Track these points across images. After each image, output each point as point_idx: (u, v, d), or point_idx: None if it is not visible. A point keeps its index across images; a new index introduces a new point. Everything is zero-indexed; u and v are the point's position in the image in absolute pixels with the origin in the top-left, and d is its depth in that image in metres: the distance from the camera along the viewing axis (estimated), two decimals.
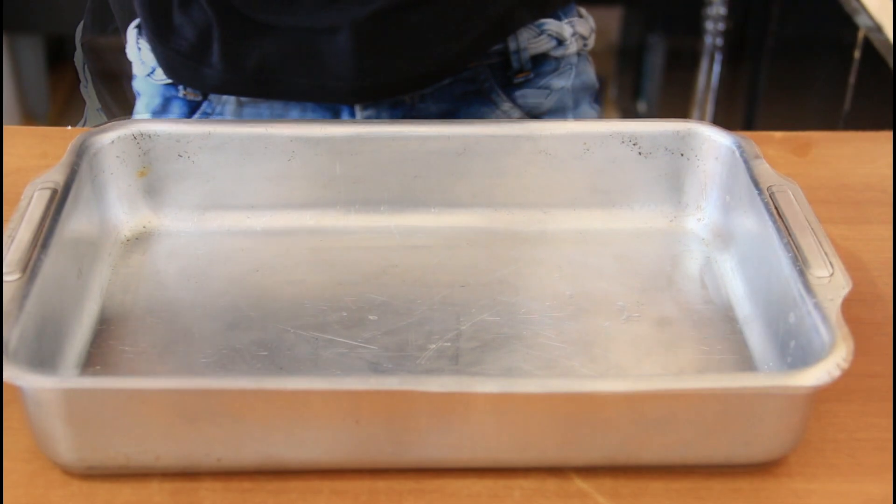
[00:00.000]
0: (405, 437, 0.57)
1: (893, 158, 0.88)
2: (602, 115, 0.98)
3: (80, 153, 0.73)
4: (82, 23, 1.04)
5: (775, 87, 2.01)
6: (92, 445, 0.57)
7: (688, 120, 0.78)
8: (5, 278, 0.61)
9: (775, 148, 0.89)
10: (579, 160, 0.78)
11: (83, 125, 1.07)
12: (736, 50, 2.18)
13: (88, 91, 1.07)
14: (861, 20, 1.58)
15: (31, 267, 0.62)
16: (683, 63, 2.35)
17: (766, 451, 0.59)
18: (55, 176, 0.70)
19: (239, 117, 0.89)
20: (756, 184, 0.71)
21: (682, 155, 0.78)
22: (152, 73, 0.90)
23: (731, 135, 0.76)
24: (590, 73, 0.96)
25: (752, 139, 0.76)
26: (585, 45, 0.94)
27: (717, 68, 2.23)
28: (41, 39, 2.54)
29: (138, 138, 0.76)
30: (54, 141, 0.88)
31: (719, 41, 2.20)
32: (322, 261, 0.75)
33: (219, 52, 0.84)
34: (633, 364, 0.67)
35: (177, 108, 0.91)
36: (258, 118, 0.89)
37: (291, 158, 0.77)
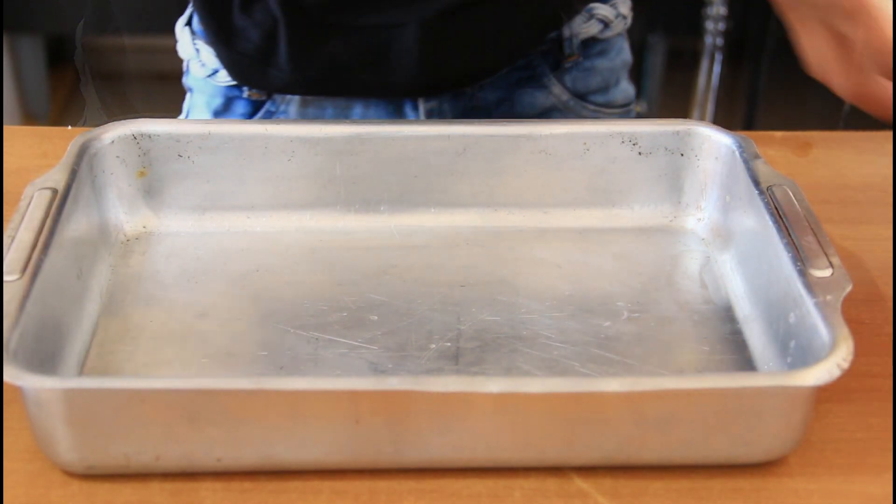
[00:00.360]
0: (405, 437, 0.57)
1: (893, 158, 0.88)
2: (634, 90, 1.00)
3: (80, 153, 0.73)
4: (82, 22, 1.04)
5: (775, 87, 2.01)
6: (92, 445, 0.57)
7: (687, 120, 0.78)
8: (5, 279, 0.61)
9: (775, 148, 0.89)
10: (579, 160, 0.78)
11: (83, 125, 1.07)
12: (736, 50, 2.18)
13: (88, 90, 1.07)
14: None
15: (31, 267, 0.62)
16: (683, 63, 2.35)
17: (766, 450, 0.59)
18: (55, 176, 0.70)
19: (303, 116, 0.90)
20: (756, 183, 0.71)
21: (681, 155, 0.78)
22: (213, 74, 0.91)
23: (730, 134, 0.76)
24: (627, 50, 0.98)
25: (751, 139, 0.76)
26: (626, 24, 0.96)
27: (717, 68, 2.23)
28: (41, 39, 2.54)
29: (138, 138, 0.76)
30: (54, 141, 0.88)
31: (719, 41, 2.20)
32: (322, 261, 0.75)
33: (286, 53, 0.85)
34: (633, 363, 0.67)
35: (240, 107, 0.92)
36: (321, 117, 0.90)
37: (291, 159, 0.77)
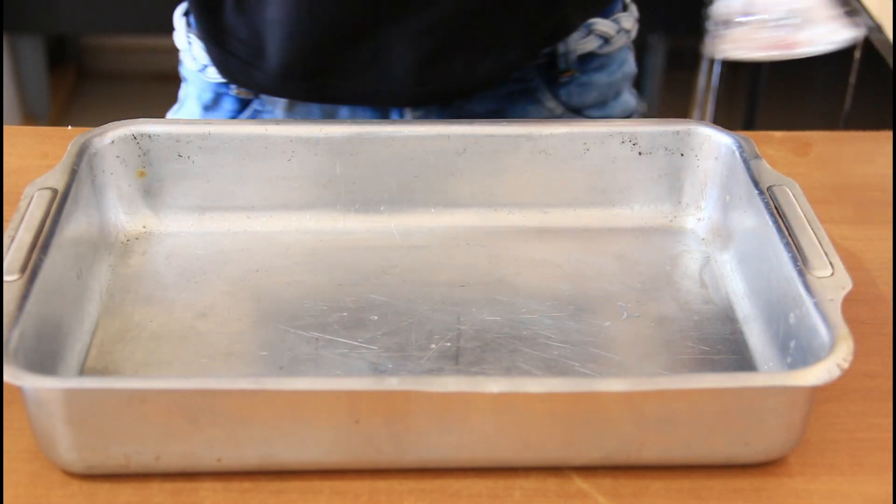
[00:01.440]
0: (405, 437, 0.57)
1: (893, 158, 0.88)
2: (640, 100, 0.99)
3: (80, 153, 0.73)
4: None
5: (775, 87, 2.01)
6: (92, 445, 0.57)
7: (687, 120, 0.78)
8: (5, 279, 0.61)
9: (776, 148, 0.89)
10: (579, 160, 0.78)
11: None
12: None
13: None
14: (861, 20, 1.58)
15: (31, 268, 0.62)
16: (684, 63, 2.35)
17: (766, 450, 0.59)
18: (55, 177, 0.70)
19: (290, 116, 0.90)
20: (756, 183, 0.71)
21: (681, 155, 0.78)
22: (204, 69, 0.91)
23: (730, 134, 0.76)
24: (630, 62, 0.97)
25: (751, 139, 0.76)
26: (630, 37, 0.94)
27: (717, 68, 2.23)
28: (41, 39, 2.54)
29: (138, 138, 0.76)
30: (54, 141, 0.88)
31: None
32: (322, 261, 0.75)
33: (275, 57, 0.85)
34: (633, 363, 0.67)
35: (228, 104, 0.92)
36: (309, 117, 0.89)
37: (291, 159, 0.77)
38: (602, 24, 0.90)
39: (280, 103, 0.89)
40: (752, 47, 0.76)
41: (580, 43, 0.89)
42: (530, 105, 0.90)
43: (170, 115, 0.97)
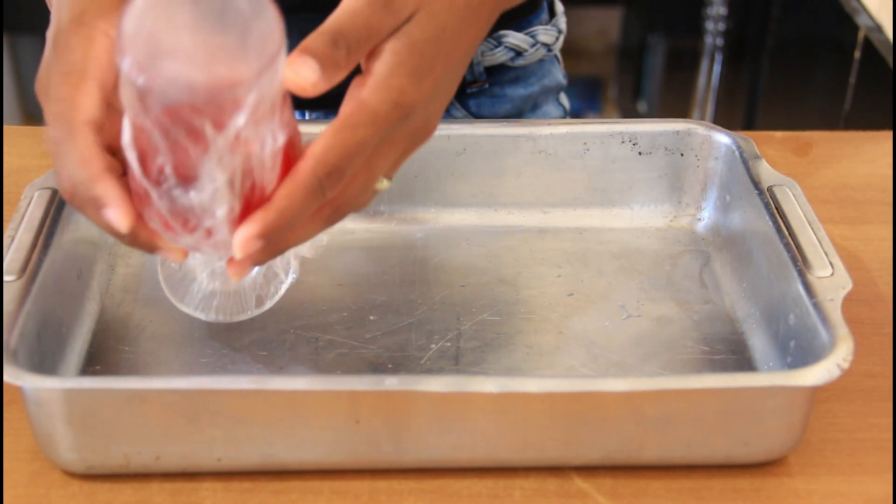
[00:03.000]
0: (405, 437, 0.57)
1: (893, 158, 0.88)
2: (567, 112, 0.98)
3: None
4: None
5: (775, 87, 2.01)
6: (92, 446, 0.57)
7: (687, 119, 0.78)
8: (5, 279, 0.61)
9: (776, 148, 0.89)
10: (579, 160, 0.78)
11: None
12: (736, 50, 2.18)
13: None
14: (861, 20, 1.58)
15: (31, 267, 0.62)
16: (684, 63, 2.35)
17: (766, 450, 0.59)
18: (55, 177, 0.70)
19: None
20: (756, 183, 0.71)
21: (681, 154, 0.78)
22: None
23: (730, 134, 0.76)
24: (554, 75, 0.93)
25: (751, 139, 0.76)
26: (550, 51, 0.91)
27: (717, 68, 2.23)
28: (41, 39, 2.54)
29: None
30: None
31: (719, 41, 2.20)
32: (321, 261, 0.75)
33: None
34: (633, 363, 0.67)
35: None
36: None
37: None
38: (514, 37, 0.87)
39: None
40: None
41: (488, 55, 0.86)
42: None
43: None
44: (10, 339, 0.57)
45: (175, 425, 0.56)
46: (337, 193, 0.55)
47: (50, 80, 0.57)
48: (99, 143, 0.55)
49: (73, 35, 0.57)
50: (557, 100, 0.95)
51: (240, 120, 0.51)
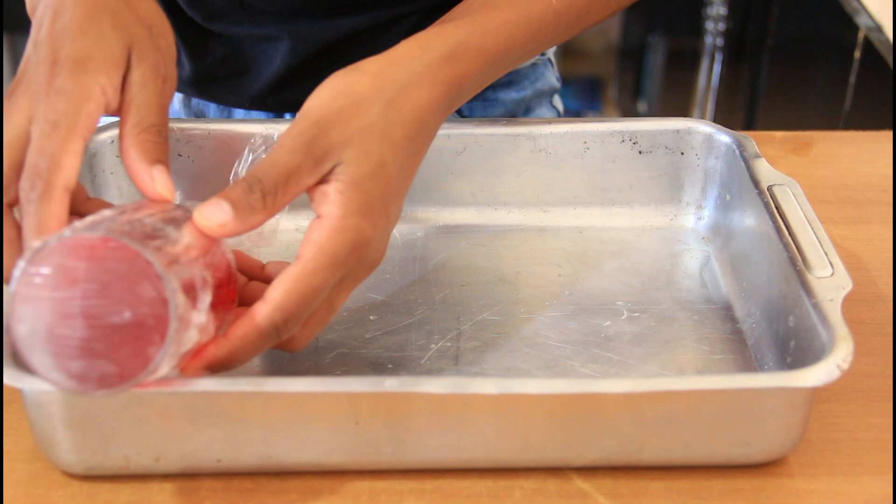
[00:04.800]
0: (405, 438, 0.57)
1: (893, 158, 0.88)
2: (562, 114, 0.98)
3: None
4: None
5: (775, 87, 2.01)
6: (92, 447, 0.57)
7: (687, 118, 0.78)
8: (5, 279, 0.61)
9: (776, 147, 0.89)
10: (579, 158, 0.78)
11: None
12: (736, 50, 2.18)
13: None
14: (861, 20, 1.58)
15: None
16: (684, 63, 2.35)
17: (766, 451, 0.59)
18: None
19: (186, 111, 0.90)
20: (756, 182, 0.71)
21: (681, 153, 0.78)
22: None
23: (730, 133, 0.76)
24: (548, 78, 0.94)
25: (751, 138, 0.76)
26: (544, 55, 0.92)
27: (717, 68, 2.23)
28: None
29: None
30: None
31: (719, 41, 2.20)
32: None
33: None
34: (632, 363, 0.67)
35: None
36: (204, 114, 0.90)
37: None
38: None
39: (176, 96, 0.90)
40: None
41: None
42: None
43: None
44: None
45: (175, 427, 0.56)
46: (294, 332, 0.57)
47: (34, 110, 0.56)
48: (68, 210, 0.56)
49: (71, 79, 0.57)
50: (551, 102, 0.96)
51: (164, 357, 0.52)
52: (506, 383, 0.56)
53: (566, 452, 0.59)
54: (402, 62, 0.60)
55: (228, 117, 0.90)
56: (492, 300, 0.72)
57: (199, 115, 0.91)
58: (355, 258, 0.56)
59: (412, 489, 0.58)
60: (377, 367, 0.66)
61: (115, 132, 0.75)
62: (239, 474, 0.59)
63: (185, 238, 0.54)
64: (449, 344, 0.68)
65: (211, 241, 0.55)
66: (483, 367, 0.66)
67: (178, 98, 0.90)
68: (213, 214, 0.54)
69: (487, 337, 0.68)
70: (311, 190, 0.57)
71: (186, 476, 0.59)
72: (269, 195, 0.55)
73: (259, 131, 0.76)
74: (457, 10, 0.65)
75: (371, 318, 0.70)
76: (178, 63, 0.86)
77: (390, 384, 0.55)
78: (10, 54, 2.52)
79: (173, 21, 0.84)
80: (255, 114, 0.88)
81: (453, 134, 0.77)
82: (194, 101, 0.90)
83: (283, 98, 0.86)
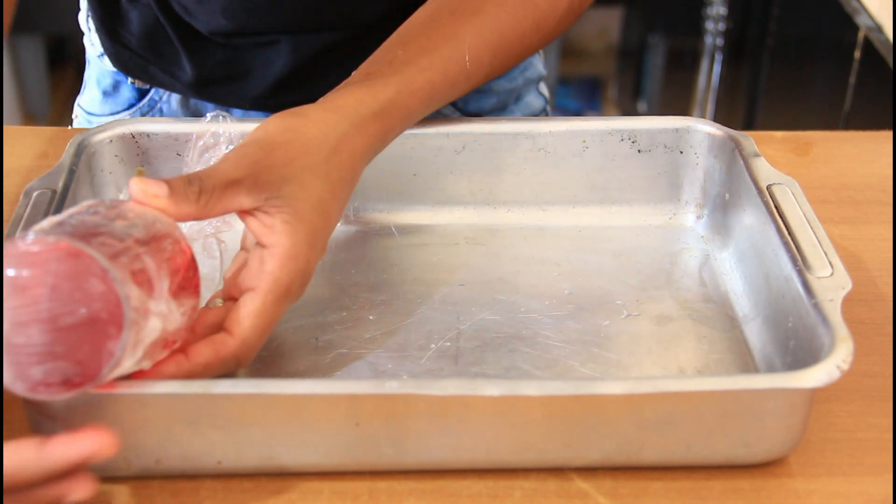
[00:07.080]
0: (405, 439, 0.57)
1: (893, 158, 0.88)
2: (548, 100, 0.99)
3: (79, 153, 0.73)
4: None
5: (775, 87, 2.01)
6: None
7: (687, 117, 0.78)
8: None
9: (776, 147, 0.89)
10: (578, 157, 0.78)
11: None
12: (736, 50, 2.18)
13: None
14: (861, 20, 1.58)
15: None
16: (684, 63, 2.35)
17: (766, 451, 0.59)
18: (54, 177, 0.69)
19: (184, 111, 0.91)
20: (755, 182, 0.71)
21: (681, 152, 0.78)
22: (102, 56, 0.91)
23: (729, 132, 0.76)
24: (536, 66, 0.95)
25: (750, 137, 0.76)
26: None
27: (717, 68, 2.23)
28: (41, 39, 2.54)
29: (136, 137, 0.76)
30: (54, 141, 0.88)
31: (719, 41, 2.20)
32: (321, 260, 0.75)
33: (164, 54, 0.86)
34: (632, 363, 0.67)
35: (126, 91, 0.92)
36: (202, 113, 0.90)
37: None
38: None
39: (174, 97, 0.90)
40: None
41: None
42: None
43: (78, 98, 0.97)
44: None
45: (175, 429, 0.56)
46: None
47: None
48: None
49: None
50: (538, 89, 0.97)
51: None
52: (506, 385, 0.56)
53: (566, 453, 0.59)
54: (339, 112, 0.65)
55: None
56: (491, 299, 0.71)
57: (197, 115, 0.91)
58: (301, 282, 0.61)
59: (412, 489, 0.58)
60: (377, 367, 0.66)
61: (113, 131, 0.75)
62: (239, 475, 0.59)
63: (135, 230, 0.54)
64: (448, 344, 0.67)
65: (166, 235, 0.56)
66: (483, 367, 0.66)
67: (175, 98, 0.90)
68: (151, 186, 0.57)
69: (487, 337, 0.68)
70: (247, 219, 0.60)
71: (187, 477, 0.59)
72: (205, 194, 0.58)
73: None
74: (382, 64, 0.69)
75: (371, 318, 0.70)
76: (179, 66, 0.86)
77: (390, 386, 0.55)
78: (10, 54, 2.52)
79: (173, 26, 0.84)
80: (254, 114, 0.88)
81: (452, 133, 0.77)
82: (192, 100, 0.90)
83: (284, 99, 0.86)
